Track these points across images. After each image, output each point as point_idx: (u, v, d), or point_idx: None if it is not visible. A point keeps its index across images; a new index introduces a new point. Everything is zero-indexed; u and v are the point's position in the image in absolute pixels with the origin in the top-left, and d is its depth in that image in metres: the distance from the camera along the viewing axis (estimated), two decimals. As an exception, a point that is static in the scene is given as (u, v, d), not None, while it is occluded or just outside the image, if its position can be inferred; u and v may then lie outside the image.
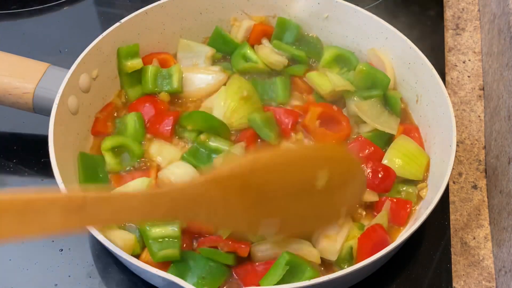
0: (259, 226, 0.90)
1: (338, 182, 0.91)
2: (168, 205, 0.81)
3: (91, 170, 1.04)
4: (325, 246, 0.95)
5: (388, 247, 0.88)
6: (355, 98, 1.12)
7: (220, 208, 0.85)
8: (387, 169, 1.03)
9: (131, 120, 1.09)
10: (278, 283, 0.88)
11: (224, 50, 1.21)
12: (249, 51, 1.19)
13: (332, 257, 0.95)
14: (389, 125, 1.10)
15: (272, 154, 0.90)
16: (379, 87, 1.13)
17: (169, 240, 0.93)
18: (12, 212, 0.70)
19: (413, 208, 1.03)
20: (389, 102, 1.13)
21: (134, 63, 1.13)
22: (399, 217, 1.01)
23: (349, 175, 0.94)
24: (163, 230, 0.93)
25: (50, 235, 0.76)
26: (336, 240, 0.95)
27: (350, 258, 0.95)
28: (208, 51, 1.19)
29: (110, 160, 1.05)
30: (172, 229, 0.94)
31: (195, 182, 0.85)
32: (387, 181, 1.02)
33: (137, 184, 0.99)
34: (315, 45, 1.22)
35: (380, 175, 1.02)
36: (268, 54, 1.18)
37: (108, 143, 1.06)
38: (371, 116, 1.10)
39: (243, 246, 0.94)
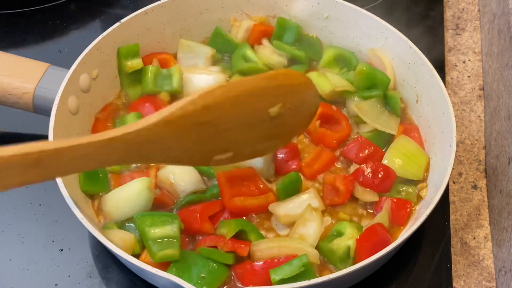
0: (212, 157, 0.91)
1: (292, 105, 0.92)
2: (123, 148, 0.81)
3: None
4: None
5: (388, 247, 0.88)
6: (355, 98, 1.12)
7: (174, 146, 0.85)
8: (387, 169, 1.03)
9: (131, 120, 1.09)
10: (283, 281, 0.88)
11: (224, 50, 1.21)
12: (249, 51, 1.19)
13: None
14: (389, 125, 1.10)
15: (223, 89, 0.86)
16: (379, 87, 1.13)
17: (169, 240, 0.93)
18: None
19: (413, 208, 1.03)
20: (389, 102, 1.13)
21: (134, 63, 1.13)
22: (399, 217, 1.01)
23: (303, 96, 0.95)
24: (163, 230, 0.93)
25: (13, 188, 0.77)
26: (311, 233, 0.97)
27: (347, 258, 0.94)
28: (208, 51, 1.19)
29: (110, 160, 1.05)
30: (171, 229, 0.93)
31: (148, 123, 0.81)
32: (387, 181, 1.02)
33: (137, 184, 0.99)
34: (315, 45, 1.22)
35: (380, 175, 1.02)
36: (268, 54, 1.18)
37: (108, 143, 1.06)
38: (371, 116, 1.10)
39: (242, 245, 0.94)
